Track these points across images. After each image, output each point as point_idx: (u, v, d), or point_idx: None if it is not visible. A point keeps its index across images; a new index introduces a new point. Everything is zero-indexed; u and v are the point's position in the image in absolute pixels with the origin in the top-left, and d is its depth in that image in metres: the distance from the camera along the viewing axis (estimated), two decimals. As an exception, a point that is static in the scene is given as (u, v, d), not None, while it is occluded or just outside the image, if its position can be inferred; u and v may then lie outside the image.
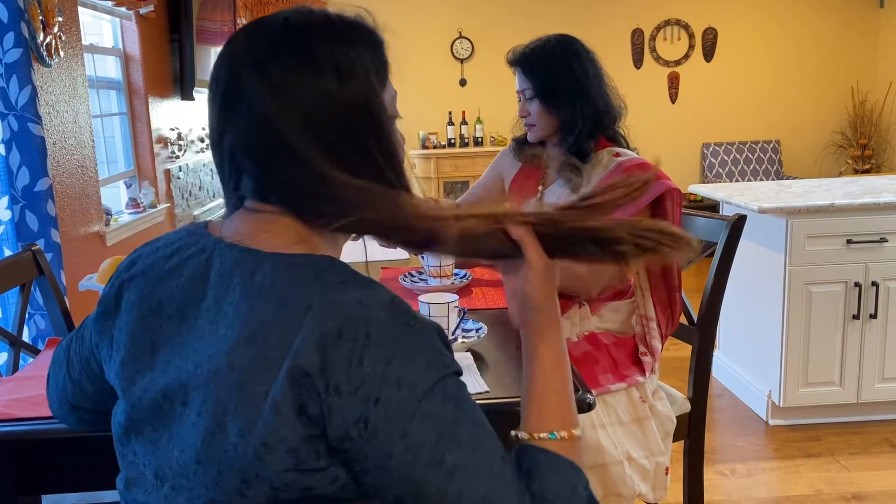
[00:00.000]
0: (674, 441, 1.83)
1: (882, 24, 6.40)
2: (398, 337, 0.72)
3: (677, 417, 1.83)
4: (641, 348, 1.83)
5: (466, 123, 6.43)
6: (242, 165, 0.81)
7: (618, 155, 1.85)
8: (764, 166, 6.46)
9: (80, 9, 3.27)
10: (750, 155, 6.47)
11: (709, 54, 6.44)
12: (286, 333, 0.71)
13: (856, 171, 6.30)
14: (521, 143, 2.10)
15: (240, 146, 0.80)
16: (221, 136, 0.82)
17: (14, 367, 1.77)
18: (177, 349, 0.79)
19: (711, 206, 5.36)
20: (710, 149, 6.47)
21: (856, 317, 2.83)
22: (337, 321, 0.71)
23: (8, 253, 2.47)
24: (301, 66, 0.78)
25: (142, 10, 3.89)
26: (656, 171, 1.72)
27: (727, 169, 6.44)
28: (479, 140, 6.44)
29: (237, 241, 0.81)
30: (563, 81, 1.86)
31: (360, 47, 0.83)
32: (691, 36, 6.43)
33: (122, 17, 3.92)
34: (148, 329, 0.81)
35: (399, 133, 0.86)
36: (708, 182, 6.37)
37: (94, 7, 3.56)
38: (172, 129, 4.48)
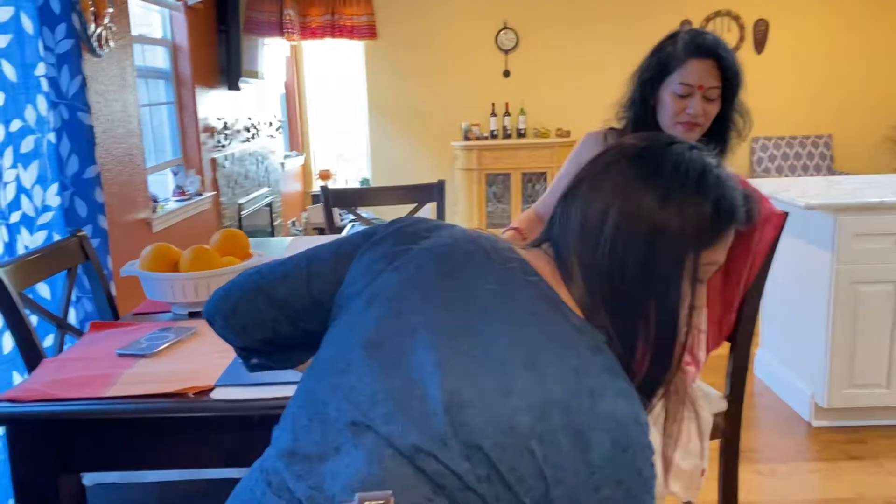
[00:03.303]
0: (710, 440, 1.80)
1: (943, 16, 6.17)
2: None
3: (714, 416, 1.80)
4: (687, 357, 1.81)
5: (509, 115, 6.40)
6: None
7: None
8: (815, 162, 6.30)
9: (130, 0, 3.34)
10: (800, 150, 6.31)
11: (760, 46, 6.30)
12: None
13: (911, 168, 6.11)
14: (620, 134, 1.98)
15: None
16: None
17: (59, 348, 1.83)
18: None
19: (758, 202, 5.25)
20: (760, 143, 6.33)
21: (905, 317, 2.75)
22: None
23: (57, 238, 2.55)
24: None
25: (190, 1, 3.96)
26: (760, 197, 1.70)
27: (776, 164, 6.30)
28: (522, 132, 6.40)
29: None
30: (739, 88, 1.74)
31: None
32: (741, 27, 6.29)
33: (172, 9, 3.99)
34: None
35: None
36: (757, 177, 6.24)
37: (144, -2, 3.64)
38: (219, 119, 4.56)
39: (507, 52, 6.46)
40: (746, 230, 1.70)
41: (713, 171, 0.86)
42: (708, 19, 6.29)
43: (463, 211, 6.41)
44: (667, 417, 0.93)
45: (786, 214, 1.77)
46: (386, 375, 0.80)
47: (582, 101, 6.12)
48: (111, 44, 2.99)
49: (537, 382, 0.75)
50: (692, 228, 0.82)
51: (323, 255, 0.98)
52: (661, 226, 0.82)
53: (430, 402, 0.76)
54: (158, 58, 4.04)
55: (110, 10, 2.96)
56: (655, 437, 1.60)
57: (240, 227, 4.81)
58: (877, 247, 2.72)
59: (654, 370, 0.85)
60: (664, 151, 0.87)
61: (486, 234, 0.93)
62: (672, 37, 1.78)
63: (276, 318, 0.98)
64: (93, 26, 2.82)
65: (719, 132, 1.76)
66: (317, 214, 5.97)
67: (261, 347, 1.02)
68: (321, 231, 5.55)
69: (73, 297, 2.47)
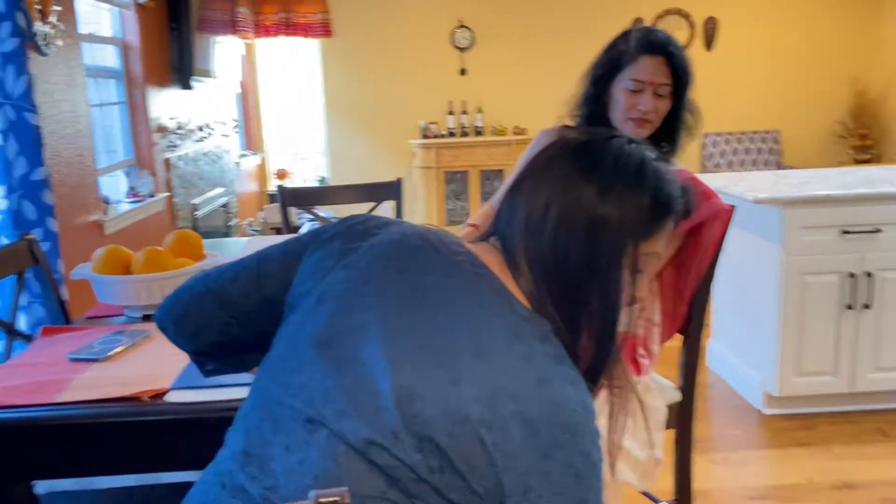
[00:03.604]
0: (665, 430, 1.84)
1: (885, 14, 6.37)
2: None
3: (667, 406, 1.84)
4: (641, 350, 1.84)
5: (466, 113, 6.42)
6: None
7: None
8: (764, 157, 6.45)
9: (77, -2, 3.27)
10: (750, 145, 6.46)
11: (709, 44, 6.42)
12: None
13: (856, 162, 6.28)
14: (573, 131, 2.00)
15: None
16: None
17: (8, 354, 1.79)
18: None
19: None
20: (710, 139, 6.46)
21: (850, 307, 2.83)
22: None
23: (5, 242, 2.49)
24: None
25: (141, 0, 3.90)
26: (704, 190, 1.73)
27: (727, 159, 6.44)
28: (480, 130, 6.43)
29: None
30: (689, 86, 1.76)
31: None
32: (692, 25, 6.41)
33: (122, 6, 3.92)
34: None
35: None
36: (708, 172, 6.36)
37: (92, -4, 3.57)
38: (172, 119, 4.49)
39: (463, 50, 6.47)
40: (697, 225, 1.75)
41: (651, 164, 0.88)
42: (659, 17, 6.39)
43: (422, 208, 6.42)
44: (612, 409, 0.95)
45: (733, 209, 1.81)
46: (337, 372, 0.80)
47: (538, 98, 6.17)
48: (58, 42, 2.93)
49: (486, 372, 0.76)
50: (631, 220, 0.85)
51: (272, 254, 0.98)
52: (601, 217, 0.84)
53: (382, 397, 0.77)
54: (108, 57, 3.96)
55: (57, 7, 2.90)
56: (602, 428, 1.63)
57: (194, 228, 4.74)
58: (823, 238, 2.81)
59: (597, 356, 0.87)
60: (604, 145, 0.89)
61: (435, 228, 0.94)
62: (625, 34, 1.81)
63: (227, 320, 0.98)
64: (39, 24, 2.75)
65: (670, 130, 1.79)
66: (274, 214, 5.92)
67: (214, 351, 1.02)
68: (278, 231, 5.50)
69: (24, 303, 2.41)
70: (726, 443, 2.78)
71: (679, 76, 1.73)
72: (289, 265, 0.95)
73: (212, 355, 1.03)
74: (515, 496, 0.74)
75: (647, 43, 1.71)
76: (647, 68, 1.71)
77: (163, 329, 1.04)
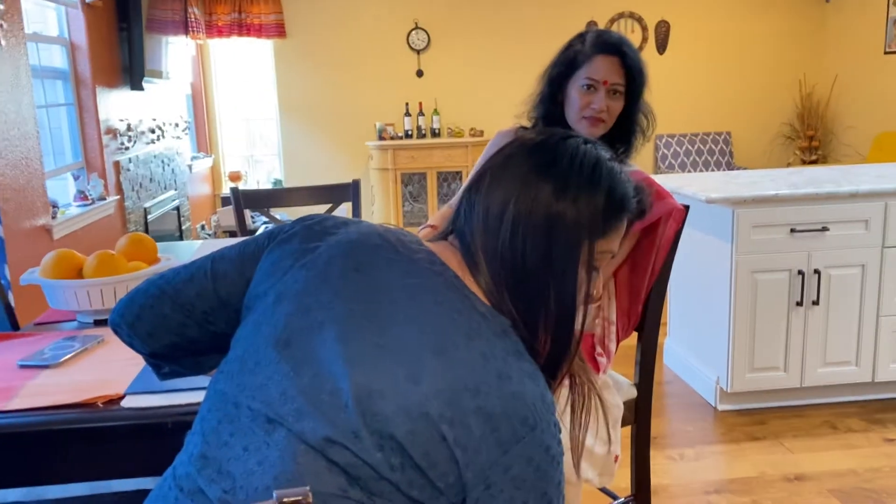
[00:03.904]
0: (622, 427, 1.87)
1: (828, 19, 6.56)
2: None
3: (624, 403, 1.87)
4: (598, 349, 1.86)
5: (423, 115, 6.42)
6: None
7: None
8: (715, 157, 6.58)
9: (22, -4, 3.19)
10: (702, 146, 6.59)
11: (662, 47, 6.54)
12: None
13: (804, 162, 6.46)
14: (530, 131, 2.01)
15: None
16: None
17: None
18: None
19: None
20: (664, 140, 6.57)
21: (799, 304, 2.91)
22: None
23: (-52, 247, 2.41)
24: None
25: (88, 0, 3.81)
26: (658, 190, 1.76)
27: (679, 160, 6.56)
28: (436, 132, 6.44)
29: None
30: (643, 87, 1.79)
31: None
32: (644, 28, 6.51)
33: (68, 6, 3.83)
34: None
35: None
36: (661, 173, 6.47)
37: (38, -6, 3.48)
38: (122, 120, 4.40)
39: (419, 52, 6.48)
40: (651, 224, 1.78)
41: (606, 163, 0.90)
42: (612, 20, 6.48)
43: (380, 210, 6.39)
44: (573, 407, 0.96)
45: (687, 209, 1.85)
46: (295, 372, 0.80)
47: (494, 100, 6.21)
48: (2, 42, 2.85)
49: (446, 369, 0.77)
50: (587, 218, 0.86)
51: (228, 255, 0.97)
52: (557, 215, 0.85)
53: (341, 396, 0.76)
54: (55, 57, 3.87)
55: (0, 6, 2.82)
56: (563, 429, 1.65)
57: (146, 231, 4.65)
58: (773, 237, 2.87)
59: (555, 351, 0.88)
60: (560, 145, 0.90)
61: (394, 228, 0.94)
62: (581, 35, 1.83)
63: (182, 321, 0.97)
64: (-18, 23, 2.68)
65: (625, 131, 1.82)
66: (227, 217, 5.84)
67: (169, 353, 1.00)
68: (232, 234, 5.43)
69: (-32, 309, 2.33)
70: (682, 439, 2.83)
71: (633, 76, 1.76)
72: (245, 266, 0.94)
73: (168, 357, 1.01)
74: (476, 490, 0.74)
75: (601, 42, 1.75)
76: (601, 68, 1.73)
77: (117, 331, 1.02)
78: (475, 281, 0.88)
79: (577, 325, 0.88)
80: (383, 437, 0.74)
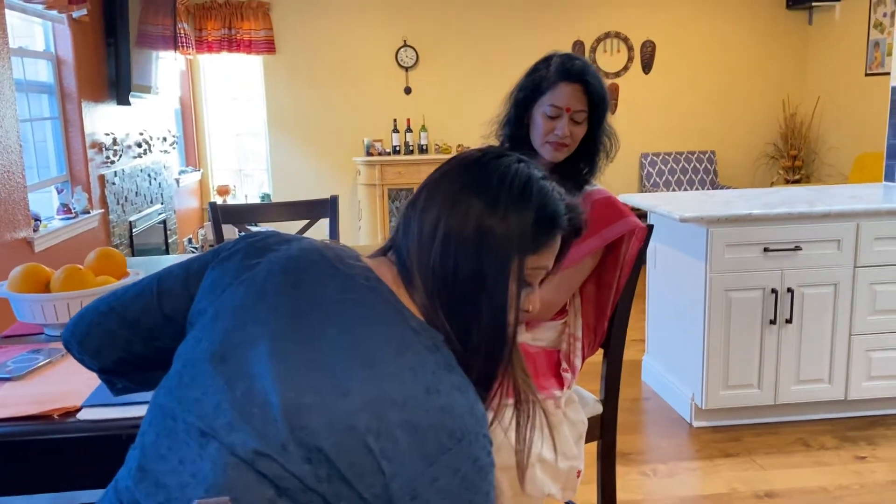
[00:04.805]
0: (586, 442, 1.88)
1: (811, 40, 6.64)
2: None
3: (589, 419, 1.88)
4: (564, 364, 1.89)
5: (411, 131, 6.47)
6: None
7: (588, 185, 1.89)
8: (700, 176, 6.63)
9: (7, 11, 3.22)
10: (686, 165, 6.64)
11: (647, 67, 6.60)
12: None
13: (787, 182, 6.51)
14: None
15: None
16: None
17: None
18: None
19: (644, 216, 5.48)
20: (649, 159, 6.62)
21: (773, 322, 2.94)
22: None
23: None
24: None
25: (75, 14, 3.84)
26: (620, 210, 1.79)
27: (664, 178, 6.60)
28: (424, 148, 6.48)
29: None
30: (605, 112, 1.83)
31: None
32: (630, 48, 6.58)
33: (54, 21, 3.86)
34: None
35: None
36: (646, 191, 6.52)
37: (24, 10, 3.51)
38: (107, 134, 4.42)
39: (407, 69, 6.53)
40: (614, 243, 1.80)
41: (537, 182, 0.92)
42: (599, 40, 6.55)
43: (367, 226, 6.42)
44: (518, 422, 0.98)
45: (650, 228, 1.88)
46: (229, 386, 0.82)
47: (481, 117, 6.23)
48: (-14, 56, 2.88)
49: (374, 382, 0.79)
50: (516, 234, 0.88)
51: (175, 272, 0.99)
52: (487, 230, 0.88)
53: (271, 410, 0.78)
54: (41, 71, 3.89)
55: (-16, 21, 2.84)
56: (507, 444, 1.67)
57: (131, 245, 4.66)
58: (746, 256, 2.91)
59: (488, 365, 0.90)
60: (493, 163, 0.93)
61: (335, 244, 0.96)
62: (546, 60, 1.87)
63: (129, 338, 0.99)
64: (-36, 38, 2.70)
65: (588, 153, 1.86)
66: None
67: (118, 369, 1.02)
68: (219, 248, 5.43)
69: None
70: (656, 454, 2.84)
71: (596, 103, 1.80)
72: (190, 283, 0.97)
73: (118, 373, 1.03)
74: (403, 501, 0.76)
75: (565, 70, 1.78)
76: (564, 95, 1.77)
77: (68, 348, 1.04)
78: (410, 296, 0.90)
79: (509, 339, 0.90)
80: (311, 450, 0.76)
